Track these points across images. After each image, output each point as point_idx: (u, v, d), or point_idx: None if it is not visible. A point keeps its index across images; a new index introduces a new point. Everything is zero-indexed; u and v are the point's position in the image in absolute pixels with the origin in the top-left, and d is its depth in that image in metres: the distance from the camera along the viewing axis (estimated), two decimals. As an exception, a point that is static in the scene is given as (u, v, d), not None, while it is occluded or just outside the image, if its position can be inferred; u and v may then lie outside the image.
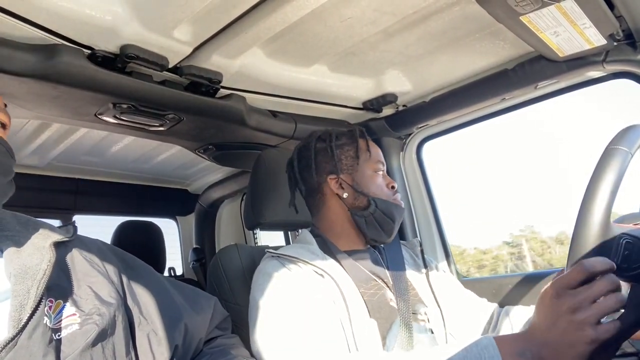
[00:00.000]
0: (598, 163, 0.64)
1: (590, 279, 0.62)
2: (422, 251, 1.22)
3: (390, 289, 1.05)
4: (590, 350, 0.61)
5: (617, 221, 0.75)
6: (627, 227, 0.66)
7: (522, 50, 1.22)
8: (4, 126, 0.78)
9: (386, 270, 1.10)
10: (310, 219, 1.20)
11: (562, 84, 1.30)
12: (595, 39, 1.05)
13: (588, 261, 0.61)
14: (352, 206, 1.11)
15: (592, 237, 0.62)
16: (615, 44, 1.08)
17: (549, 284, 0.68)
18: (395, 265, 1.11)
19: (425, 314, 1.05)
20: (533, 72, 1.24)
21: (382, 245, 1.18)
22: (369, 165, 1.13)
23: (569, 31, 1.02)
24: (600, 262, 0.61)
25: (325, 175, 1.13)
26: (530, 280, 1.35)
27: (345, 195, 1.11)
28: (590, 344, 0.60)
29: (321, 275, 0.98)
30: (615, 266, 0.61)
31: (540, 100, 1.38)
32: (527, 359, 0.66)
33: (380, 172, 1.14)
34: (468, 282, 1.41)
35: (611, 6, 0.95)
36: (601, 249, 0.63)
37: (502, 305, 1.21)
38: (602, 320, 0.62)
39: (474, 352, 0.70)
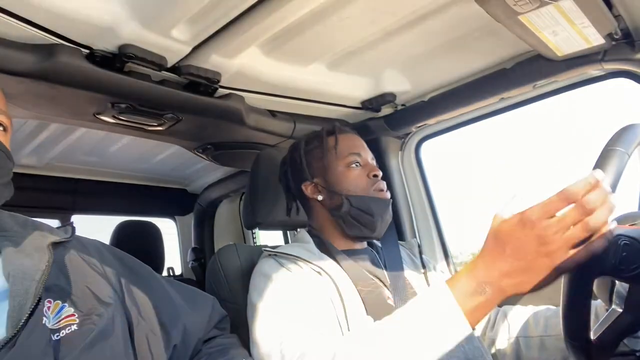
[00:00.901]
0: (595, 165, 0.64)
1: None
2: (420, 252, 1.22)
3: (387, 287, 1.05)
4: (557, 276, 0.60)
5: (616, 220, 0.75)
6: (624, 228, 0.66)
7: (521, 50, 1.22)
8: (5, 129, 0.78)
9: (384, 270, 1.10)
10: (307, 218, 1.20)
11: (561, 83, 1.30)
12: (593, 38, 1.05)
13: (570, 187, 0.59)
14: (330, 207, 1.10)
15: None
16: (613, 43, 1.08)
17: (502, 213, 0.65)
18: (393, 265, 1.11)
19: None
20: (531, 71, 1.24)
21: (379, 245, 1.18)
22: (339, 162, 1.10)
23: (568, 30, 1.02)
24: (582, 186, 0.58)
25: (300, 183, 1.14)
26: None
27: (320, 197, 1.11)
28: (559, 271, 0.60)
29: (318, 273, 0.98)
30: (599, 182, 0.59)
31: (538, 100, 1.38)
32: (487, 295, 0.65)
33: (355, 165, 1.10)
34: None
35: (609, 5, 0.95)
36: None
37: (500, 305, 1.21)
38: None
39: (429, 305, 0.70)
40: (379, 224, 1.08)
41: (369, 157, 1.14)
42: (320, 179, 1.12)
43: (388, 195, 1.11)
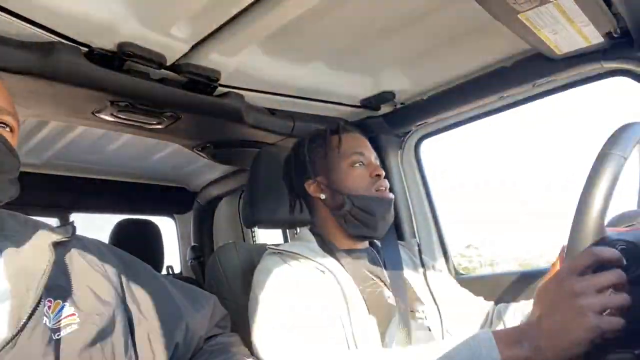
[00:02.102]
0: (592, 169, 0.63)
1: (596, 268, 0.60)
2: (419, 251, 1.23)
3: (388, 287, 1.05)
4: (589, 338, 0.58)
5: (613, 220, 0.75)
6: (620, 232, 0.65)
7: (520, 48, 1.22)
8: (12, 129, 0.78)
9: (384, 270, 1.10)
10: (307, 217, 1.20)
11: (560, 82, 1.30)
12: (592, 36, 1.05)
13: (596, 248, 0.59)
14: (332, 206, 1.10)
15: (587, 246, 0.62)
16: (612, 42, 1.08)
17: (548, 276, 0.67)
18: (393, 264, 1.12)
19: (423, 311, 1.06)
20: (531, 69, 1.24)
21: (379, 245, 1.18)
22: (342, 161, 1.10)
23: (567, 29, 1.02)
24: (608, 252, 0.59)
25: (302, 181, 1.14)
26: (527, 278, 1.35)
27: (323, 196, 1.10)
28: (590, 332, 0.58)
29: (322, 271, 0.98)
30: (623, 259, 0.59)
31: (538, 98, 1.39)
32: (525, 349, 0.64)
33: (358, 164, 1.10)
34: (465, 280, 1.41)
35: (609, 4, 0.95)
36: None
37: (498, 303, 1.22)
38: None
39: (472, 346, 0.69)
40: (381, 224, 1.08)
41: (372, 156, 1.14)
42: (323, 178, 1.11)
43: (391, 195, 1.10)
